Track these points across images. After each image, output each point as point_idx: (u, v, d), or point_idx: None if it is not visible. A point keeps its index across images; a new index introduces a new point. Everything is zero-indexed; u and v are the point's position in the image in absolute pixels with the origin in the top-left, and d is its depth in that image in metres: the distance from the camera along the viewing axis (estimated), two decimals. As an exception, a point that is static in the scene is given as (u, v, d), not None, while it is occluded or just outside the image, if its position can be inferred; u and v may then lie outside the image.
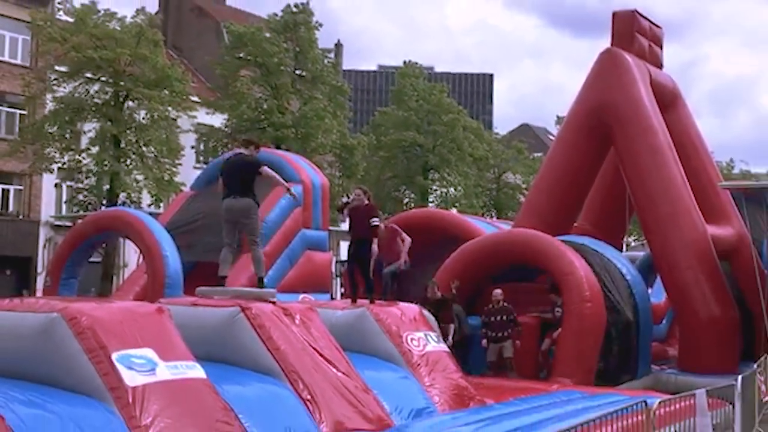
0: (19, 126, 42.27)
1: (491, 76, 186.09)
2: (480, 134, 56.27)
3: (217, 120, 44.61)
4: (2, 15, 43.91)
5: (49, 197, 44.18)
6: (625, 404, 10.29)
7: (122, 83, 36.45)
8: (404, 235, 17.37)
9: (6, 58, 44.28)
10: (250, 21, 49.21)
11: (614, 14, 22.97)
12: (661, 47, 24.19)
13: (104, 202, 36.37)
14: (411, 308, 13.98)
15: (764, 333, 19.87)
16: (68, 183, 39.64)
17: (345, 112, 47.34)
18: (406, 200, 51.43)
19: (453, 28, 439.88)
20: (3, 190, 43.92)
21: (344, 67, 70.89)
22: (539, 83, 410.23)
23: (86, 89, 36.83)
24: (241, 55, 44.05)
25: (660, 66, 23.85)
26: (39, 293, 15.61)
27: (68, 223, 37.80)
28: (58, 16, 39.62)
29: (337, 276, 28.11)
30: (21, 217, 44.25)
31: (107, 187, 36.73)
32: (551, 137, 74.12)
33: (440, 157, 51.99)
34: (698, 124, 24.44)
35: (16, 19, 43.47)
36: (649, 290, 22.36)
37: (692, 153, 22.92)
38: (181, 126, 39.31)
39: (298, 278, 20.15)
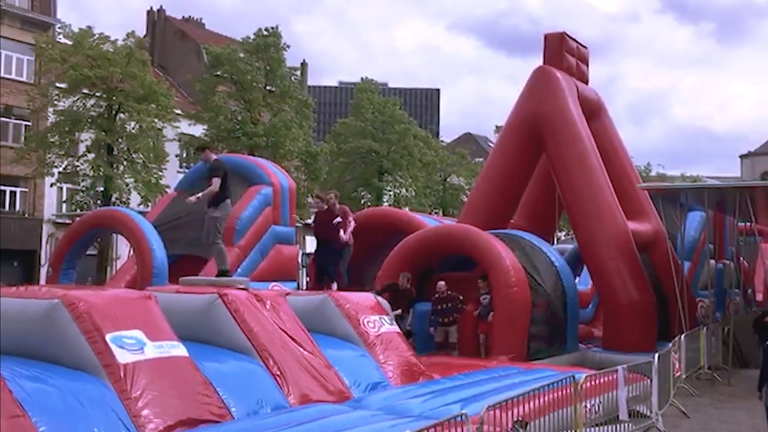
0: (25, 135, 41.99)
1: (438, 90, 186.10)
2: (428, 142, 56.33)
3: (198, 130, 44.41)
4: (9, 38, 43.71)
5: (51, 198, 43.97)
6: (556, 378, 10.42)
7: (114, 98, 36.31)
8: (351, 218, 17.21)
9: (13, 76, 44.16)
10: (227, 43, 48.90)
11: (546, 36, 22.85)
12: (587, 65, 24.13)
13: (99, 202, 36.24)
14: (367, 296, 13.95)
15: (678, 316, 19.90)
16: (67, 185, 39.40)
17: (309, 123, 47.19)
18: (364, 200, 51.39)
19: (401, 49, 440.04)
20: (10, 191, 43.88)
21: (309, 83, 70.60)
22: (479, 97, 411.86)
23: (83, 103, 36.65)
24: (219, 73, 43.86)
25: (586, 81, 23.82)
26: (42, 282, 15.42)
27: (68, 221, 37.54)
28: (58, 39, 39.36)
29: (302, 267, 28.00)
30: (26, 215, 44.17)
31: (101, 189, 36.61)
32: (491, 144, 74.43)
33: (393, 162, 51.98)
34: (619, 133, 24.46)
35: (21, 42, 43.49)
36: (577, 278, 22.33)
37: (614, 158, 22.92)
38: (166, 135, 39.13)
39: (268, 269, 20.03)
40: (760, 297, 29.38)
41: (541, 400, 9.76)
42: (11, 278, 32.07)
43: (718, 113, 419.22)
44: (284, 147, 42.33)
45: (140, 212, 22.66)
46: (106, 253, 35.47)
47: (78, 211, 35.77)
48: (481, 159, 61.91)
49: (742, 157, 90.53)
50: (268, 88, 44.62)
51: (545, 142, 21.51)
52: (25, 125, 43.15)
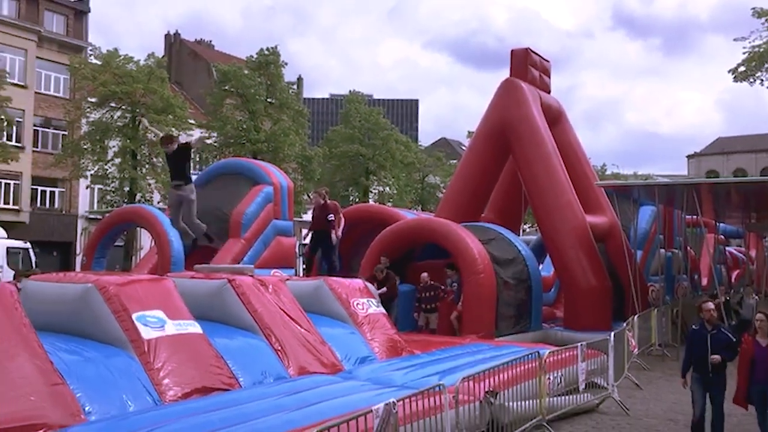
0: (62, 143, 41.89)
1: (417, 101, 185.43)
2: (408, 146, 56.04)
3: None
4: (48, 60, 43.88)
5: (85, 197, 44.12)
6: (523, 354, 10.41)
7: (137, 110, 36.28)
8: (341, 212, 16.97)
9: (51, 92, 44.43)
10: (233, 61, 48.77)
11: (512, 51, 22.40)
12: (549, 76, 23.71)
13: (125, 200, 36.11)
14: (357, 281, 13.85)
15: (632, 299, 19.68)
16: (98, 186, 39.33)
17: (305, 130, 47.08)
18: (352, 198, 51.31)
19: (384, 65, 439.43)
20: (50, 191, 44.05)
21: (304, 96, 70.40)
22: (452, 106, 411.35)
23: (111, 115, 36.67)
24: (226, 87, 43.68)
25: (548, 91, 23.43)
26: (77, 269, 15.46)
27: (99, 217, 37.59)
28: (89, 60, 39.27)
29: (299, 256, 27.97)
30: (63, 212, 44.26)
31: (127, 189, 36.50)
32: (463, 148, 74.07)
33: (378, 164, 51.80)
34: (578, 136, 24.10)
35: (58, 62, 43.72)
36: (540, 265, 21.99)
37: (574, 158, 22.58)
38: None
39: (270, 258, 20.00)
40: (705, 282, 29.30)
41: (510, 372, 9.77)
42: (52, 266, 32.13)
43: (666, 118, 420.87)
44: (283, 151, 42.27)
45: (160, 209, 22.69)
46: (132, 245, 35.42)
47: (107, 208, 35.73)
48: (455, 161, 61.72)
49: (688, 157, 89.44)
50: (269, 100, 44.51)
51: (512, 146, 21.21)
52: (62, 134, 43.13)
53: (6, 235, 30.04)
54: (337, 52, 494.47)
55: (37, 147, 42.67)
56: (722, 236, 34.11)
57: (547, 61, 23.81)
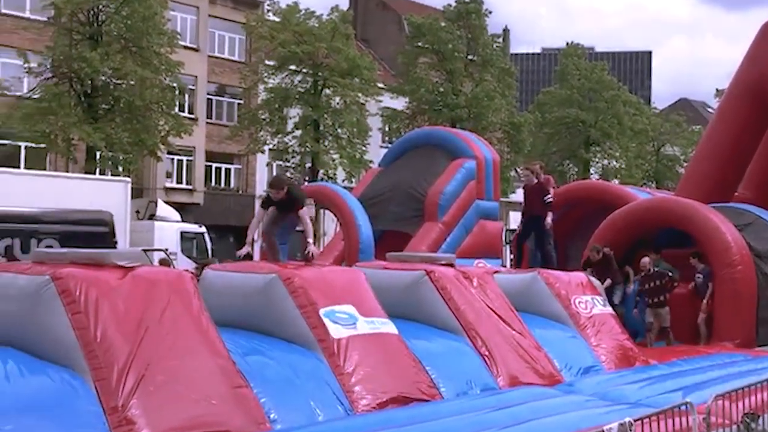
0: (238, 114, 43.81)
1: (650, 53, 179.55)
2: (640, 109, 54.53)
3: (399, 103, 44.95)
4: (222, 18, 45.63)
5: (262, 174, 45.52)
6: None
7: (320, 74, 37.34)
8: (552, 190, 16.64)
9: (225, 55, 46.22)
10: (427, 12, 49.13)
11: None
12: None
13: (307, 178, 37.31)
14: (578, 275, 13.56)
15: None
16: (277, 162, 40.84)
17: (512, 92, 46.90)
18: (569, 174, 50.56)
19: (605, 10, 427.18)
20: (225, 169, 46.20)
21: (511, 51, 69.87)
22: (694, 59, 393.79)
23: (291, 80, 37.93)
24: (420, 43, 44.13)
25: None
26: (256, 258, 16.23)
27: (279, 197, 39.03)
28: (267, 17, 40.76)
29: (506, 243, 27.83)
30: (240, 192, 46.26)
31: (309, 165, 37.68)
32: (710, 110, 71.32)
33: (602, 132, 50.73)
34: None
35: (233, 21, 45.29)
36: None
37: None
38: (369, 110, 39.80)
39: (473, 245, 19.88)
40: None
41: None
42: (229, 254, 33.77)
43: None
44: (487, 118, 42.29)
45: (345, 188, 23.28)
46: (314, 229, 36.49)
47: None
48: (698, 126, 59.11)
49: None
50: (469, 57, 44.63)
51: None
52: (237, 103, 45.16)
53: (180, 218, 31.90)
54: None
55: (210, 118, 44.81)
56: None
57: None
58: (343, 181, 37.70)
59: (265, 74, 38.94)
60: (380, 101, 41.00)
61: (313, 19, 38.35)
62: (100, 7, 31.39)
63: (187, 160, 43.31)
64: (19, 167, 33.31)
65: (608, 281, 15.76)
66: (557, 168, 49.80)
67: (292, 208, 12.64)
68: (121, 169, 33.48)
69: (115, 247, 19.32)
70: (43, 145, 31.20)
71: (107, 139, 29.92)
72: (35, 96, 31.17)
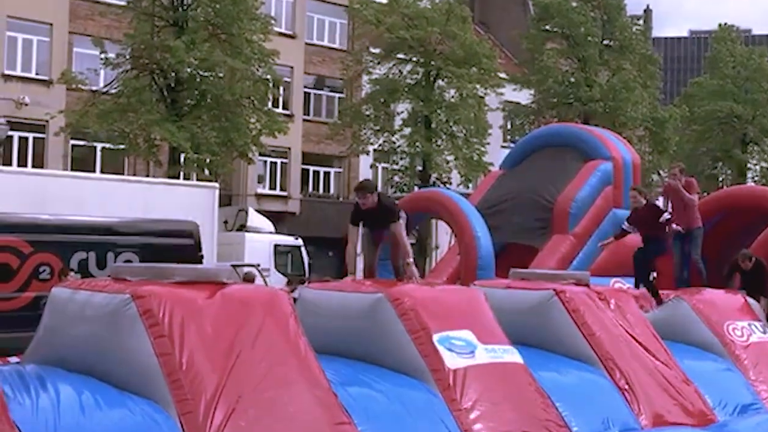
0: (338, 109, 44.09)
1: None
2: (808, 101, 53.00)
3: (523, 96, 44.66)
4: (324, 1, 45.87)
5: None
6: None
7: (432, 62, 37.30)
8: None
9: (325, 43, 46.34)
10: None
11: None
12: None
13: (417, 183, 37.35)
14: (733, 296, 13.32)
15: None
16: (383, 164, 40.95)
17: (655, 82, 46.16)
18: (722, 177, 49.50)
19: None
20: (324, 172, 46.23)
21: (653, 35, 68.81)
22: None
23: (399, 70, 37.99)
24: (548, 27, 43.85)
25: None
26: (359, 274, 16.20)
27: (387, 205, 38.99)
28: (372, -1, 40.96)
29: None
30: (341, 199, 46.02)
31: (420, 168, 37.70)
32: None
33: (761, 128, 49.45)
34: None
35: (334, 4, 45.49)
36: None
37: None
38: (488, 104, 39.63)
39: (609, 262, 19.63)
40: None
41: None
42: (328, 270, 33.97)
43: None
44: (625, 113, 41.71)
45: (462, 194, 23.24)
46: (425, 242, 36.54)
47: (396, 193, 37.20)
48: None
49: None
50: (605, 42, 44.11)
51: None
52: (339, 97, 45.51)
53: (273, 229, 32.28)
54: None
55: (308, 115, 45.18)
56: None
57: None
58: (459, 186, 37.66)
59: (370, 64, 39.10)
60: (501, 94, 40.68)
61: (425, 0, 38.35)
62: (186, -11, 31.87)
63: (282, 163, 43.76)
64: (94, 171, 34.12)
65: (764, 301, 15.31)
66: (707, 171, 48.79)
67: (385, 222, 11.50)
68: (207, 173, 33.81)
69: (200, 262, 19.64)
70: (121, 146, 31.77)
71: (192, 139, 30.18)
72: (113, 91, 31.81)
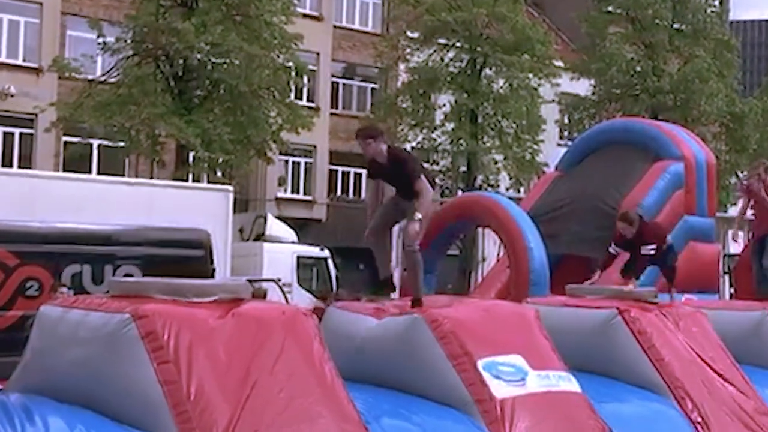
0: (371, 102, 44.17)
1: None
2: None
3: (581, 87, 44.50)
4: (354, -23, 45.86)
5: (403, 182, 45.61)
6: None
7: (479, 48, 37.29)
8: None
9: (356, 26, 46.51)
10: (622, -32, 48.70)
11: None
12: None
13: (461, 186, 37.30)
14: None
15: None
16: (423, 164, 40.83)
17: (733, 71, 46.00)
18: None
19: None
20: (355, 174, 45.63)
21: (731, 18, 68.50)
22: None
23: (441, 57, 38.04)
24: (610, 8, 43.77)
25: None
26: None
27: (423, 212, 38.99)
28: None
29: (725, 273, 27.39)
30: (374, 204, 45.93)
31: (464, 168, 37.64)
32: None
33: None
34: None
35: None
36: None
37: None
38: (543, 96, 39.53)
39: (680, 275, 19.67)
40: None
41: None
42: (357, 284, 33.97)
43: None
44: (698, 107, 41.64)
45: (511, 198, 23.18)
46: (470, 253, 36.55)
47: (437, 197, 37.19)
48: None
49: None
50: (675, 26, 44.01)
51: None
52: (372, 88, 45.51)
53: (296, 239, 32.25)
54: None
55: (336, 108, 45.40)
56: None
57: None
58: (509, 189, 37.66)
59: (408, 50, 39.17)
60: (558, 85, 40.68)
61: (471, -23, 38.39)
62: (196, -36, 31.84)
63: (306, 163, 43.93)
64: (90, 172, 34.19)
65: None
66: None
67: (407, 179, 10.90)
68: (220, 174, 33.89)
69: (212, 276, 19.65)
70: (121, 144, 31.87)
71: (203, 136, 30.04)
72: (112, 80, 31.93)
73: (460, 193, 35.06)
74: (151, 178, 32.15)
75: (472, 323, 9.47)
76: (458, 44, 37.81)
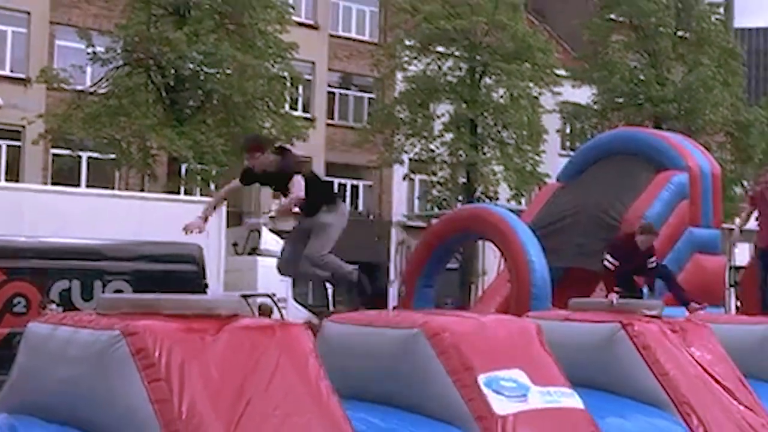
0: (368, 112, 44.25)
1: None
2: None
3: (583, 95, 44.55)
4: (350, -16, 46.03)
5: (400, 193, 45.94)
6: None
7: (478, 57, 37.38)
8: None
9: (352, 34, 46.60)
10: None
11: None
12: None
13: (460, 197, 37.33)
14: None
15: None
16: (420, 177, 41.01)
17: (738, 80, 46.10)
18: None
19: None
20: (352, 186, 46.12)
21: (735, 25, 68.65)
22: None
23: (439, 66, 38.10)
24: (613, 15, 43.85)
25: None
26: (392, 304, 16.13)
27: (422, 224, 39.13)
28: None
29: (731, 285, 27.39)
30: (371, 216, 46.23)
31: (463, 180, 37.68)
32: None
33: None
34: None
35: (364, -12, 45.61)
36: None
37: None
38: (544, 105, 39.58)
39: (685, 287, 19.74)
40: None
41: None
42: (354, 299, 33.94)
43: None
44: (703, 116, 41.71)
45: (513, 210, 23.20)
46: (470, 266, 36.55)
47: (435, 210, 37.23)
48: None
49: None
50: (679, 33, 44.13)
51: None
52: (368, 98, 45.59)
53: (290, 253, 32.27)
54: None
55: (332, 118, 45.45)
56: None
57: None
58: (509, 201, 37.62)
59: (405, 59, 39.21)
60: (559, 93, 40.72)
61: (470, -16, 38.46)
62: (188, -28, 31.84)
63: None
64: (79, 185, 34.15)
65: None
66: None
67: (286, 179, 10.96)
68: (213, 187, 33.91)
69: (205, 292, 19.62)
70: (111, 156, 31.87)
71: (196, 147, 30.07)
72: (101, 91, 31.91)
73: (459, 205, 35.03)
74: (142, 191, 32.14)
75: (472, 337, 9.42)
76: (457, 53, 37.87)
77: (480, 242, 30.13)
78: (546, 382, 9.43)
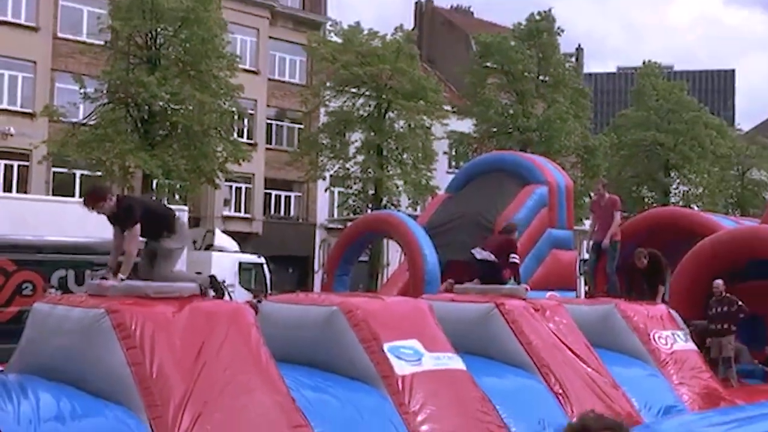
0: (298, 139, 44.16)
1: (732, 72, 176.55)
2: (722, 131, 52.76)
3: (466, 126, 44.76)
4: (283, 39, 46.11)
5: (323, 202, 45.92)
6: None
7: (384, 96, 37.26)
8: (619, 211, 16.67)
9: (286, 78, 46.68)
10: (496, 31, 49.01)
11: None
12: None
13: (370, 205, 37.35)
14: (658, 307, 13.38)
15: None
16: (339, 189, 41.03)
17: (587, 113, 46.42)
18: (647, 199, 49.79)
19: (675, 26, 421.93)
20: (285, 196, 46.39)
21: (584, 71, 69.50)
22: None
23: (353, 103, 37.94)
24: (488, 63, 44.00)
25: None
26: (316, 289, 16.04)
27: (339, 226, 39.12)
28: (329, 38, 41.03)
29: (581, 274, 27.65)
30: (300, 220, 46.54)
31: (372, 192, 37.70)
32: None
33: (681, 156, 49.61)
34: None
35: (294, 42, 45.70)
36: None
37: None
38: (434, 134, 39.73)
39: (545, 276, 19.78)
40: None
41: None
42: (287, 284, 33.80)
43: None
44: (559, 141, 41.86)
45: (410, 216, 23.25)
46: (377, 259, 36.54)
47: (350, 215, 37.20)
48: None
49: None
50: (540, 77, 44.40)
51: None
52: (298, 128, 45.52)
53: (238, 249, 32.15)
54: (616, 14, 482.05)
55: (270, 143, 45.19)
56: None
57: None
58: (408, 208, 37.65)
59: (327, 97, 39.09)
60: (447, 124, 40.76)
61: (377, 39, 38.32)
62: (158, 30, 31.62)
63: (246, 188, 43.64)
64: (73, 196, 33.80)
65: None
66: (633, 194, 49.08)
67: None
68: (178, 197, 33.76)
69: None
70: (98, 173, 31.53)
71: (164, 167, 30.01)
72: (91, 122, 31.63)
73: (368, 211, 34.99)
74: (123, 201, 31.72)
75: (379, 314, 9.51)
76: (367, 93, 37.68)
77: (385, 240, 30.09)
78: (436, 349, 9.54)
